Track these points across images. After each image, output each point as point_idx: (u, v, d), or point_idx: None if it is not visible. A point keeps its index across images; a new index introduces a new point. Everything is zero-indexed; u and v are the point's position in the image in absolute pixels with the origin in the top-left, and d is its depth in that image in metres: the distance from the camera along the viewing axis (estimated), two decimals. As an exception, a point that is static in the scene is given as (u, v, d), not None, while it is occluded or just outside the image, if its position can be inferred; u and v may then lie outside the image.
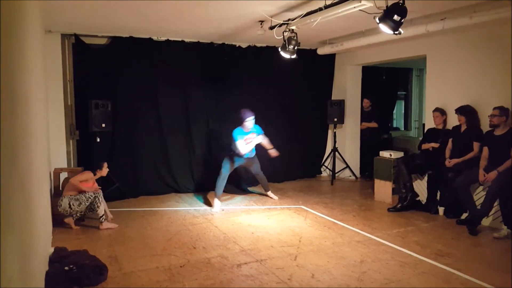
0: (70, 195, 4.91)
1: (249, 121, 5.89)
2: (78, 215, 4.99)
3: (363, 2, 4.04)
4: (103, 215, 4.97)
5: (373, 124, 8.14)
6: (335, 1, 4.29)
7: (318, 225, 5.16)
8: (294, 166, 8.06)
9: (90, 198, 4.90)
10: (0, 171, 1.46)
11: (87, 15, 5.18)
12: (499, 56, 5.10)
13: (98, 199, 4.93)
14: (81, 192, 4.95)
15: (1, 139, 1.52)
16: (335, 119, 7.81)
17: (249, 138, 5.94)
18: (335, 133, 7.97)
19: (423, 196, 5.87)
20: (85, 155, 6.37)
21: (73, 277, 3.37)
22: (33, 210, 2.59)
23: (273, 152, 6.13)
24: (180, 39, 6.87)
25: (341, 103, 7.83)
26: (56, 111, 6.19)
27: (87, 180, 5.05)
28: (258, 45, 7.50)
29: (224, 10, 4.97)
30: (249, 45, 7.47)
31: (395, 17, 3.92)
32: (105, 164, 5.30)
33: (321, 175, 8.49)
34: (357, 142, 8.26)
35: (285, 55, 5.66)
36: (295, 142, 8.05)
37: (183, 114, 7.01)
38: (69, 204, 4.87)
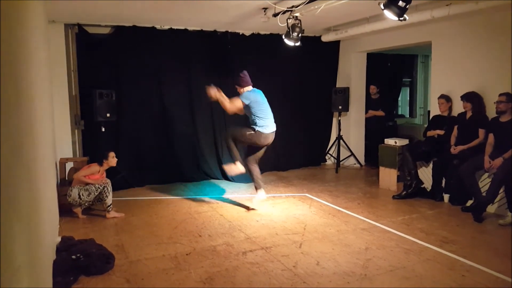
0: (80, 186, 4.94)
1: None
2: (86, 205, 5.03)
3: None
4: (110, 204, 5.00)
5: (380, 113, 8.07)
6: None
7: (323, 212, 5.18)
8: (298, 154, 8.07)
9: (99, 188, 4.93)
10: (5, 161, 1.47)
11: (90, 4, 5.15)
12: (505, 43, 5.03)
13: (107, 189, 4.96)
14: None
15: (7, 129, 1.52)
16: (340, 107, 7.78)
17: None
18: (339, 120, 7.96)
19: (428, 183, 5.86)
20: (90, 144, 6.39)
21: (81, 266, 3.42)
22: (40, 199, 2.62)
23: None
24: (183, 28, 6.84)
25: (345, 91, 7.78)
26: (61, 101, 6.21)
27: (93, 173, 5.03)
28: (262, 32, 7.45)
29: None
30: (253, 33, 7.42)
31: (400, 3, 3.88)
32: (112, 154, 5.13)
33: (326, 163, 8.50)
34: (361, 130, 8.23)
35: (289, 42, 5.62)
36: (299, 130, 8.04)
37: (187, 102, 7.00)
38: (79, 194, 4.90)
